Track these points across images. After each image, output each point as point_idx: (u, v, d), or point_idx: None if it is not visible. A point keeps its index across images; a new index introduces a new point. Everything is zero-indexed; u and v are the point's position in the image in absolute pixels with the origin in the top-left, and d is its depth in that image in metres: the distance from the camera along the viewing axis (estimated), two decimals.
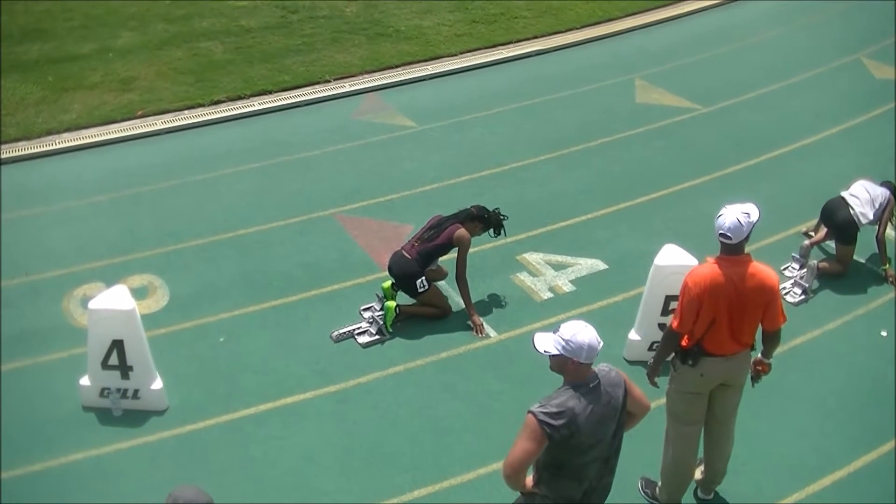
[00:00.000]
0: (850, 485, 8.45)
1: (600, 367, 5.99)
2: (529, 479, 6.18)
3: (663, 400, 7.97)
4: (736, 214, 7.03)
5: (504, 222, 10.80)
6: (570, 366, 5.81)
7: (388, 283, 10.56)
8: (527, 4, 20.33)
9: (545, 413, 5.73)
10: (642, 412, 6.28)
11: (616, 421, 5.95)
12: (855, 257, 11.36)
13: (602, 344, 5.76)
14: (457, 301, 10.70)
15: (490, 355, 10.11)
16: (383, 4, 20.26)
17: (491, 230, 10.76)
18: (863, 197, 11.03)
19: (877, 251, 11.20)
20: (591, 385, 5.83)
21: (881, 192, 11.07)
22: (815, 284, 11.08)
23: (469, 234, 10.44)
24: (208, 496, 5.47)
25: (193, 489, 5.46)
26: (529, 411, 5.80)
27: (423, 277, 10.37)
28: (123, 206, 12.89)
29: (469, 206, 10.74)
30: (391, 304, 10.34)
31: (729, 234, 7.03)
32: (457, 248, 10.38)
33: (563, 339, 5.77)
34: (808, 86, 16.72)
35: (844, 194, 11.16)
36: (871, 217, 10.96)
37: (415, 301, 10.56)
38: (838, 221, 11.06)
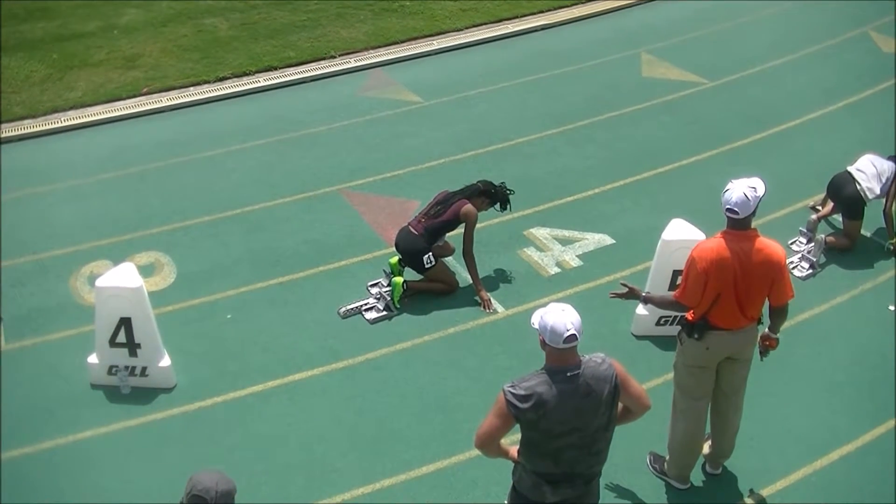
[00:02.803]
0: (858, 459, 8.45)
1: (592, 358, 5.88)
2: (514, 449, 6.23)
3: (669, 376, 7.98)
4: (743, 189, 7.00)
5: (510, 197, 10.78)
6: (544, 347, 5.81)
7: (395, 259, 10.56)
8: None
9: (513, 394, 5.75)
10: (640, 410, 6.17)
11: (602, 414, 5.85)
12: (862, 231, 11.33)
13: (573, 332, 5.63)
14: (464, 276, 10.70)
15: (497, 331, 10.11)
16: None
17: (497, 205, 10.75)
18: (869, 172, 10.99)
19: (884, 225, 11.18)
20: (567, 374, 5.74)
21: (888, 167, 11.02)
22: (823, 259, 11.05)
23: (476, 210, 10.43)
24: (230, 481, 5.47)
25: (214, 475, 5.46)
26: (502, 388, 5.83)
27: (430, 253, 10.37)
28: (130, 184, 12.89)
29: (475, 182, 10.73)
30: (398, 279, 10.35)
31: (736, 209, 7.01)
32: (463, 224, 10.37)
33: (538, 316, 5.80)
34: (815, 60, 16.64)
35: (851, 169, 11.11)
36: (877, 192, 10.93)
37: (422, 277, 10.56)
38: (845, 197, 11.03)
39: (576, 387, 5.74)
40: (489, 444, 6.01)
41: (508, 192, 10.77)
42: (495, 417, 5.85)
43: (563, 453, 5.90)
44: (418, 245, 10.36)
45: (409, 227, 10.51)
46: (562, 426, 5.77)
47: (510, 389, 5.78)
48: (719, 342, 7.38)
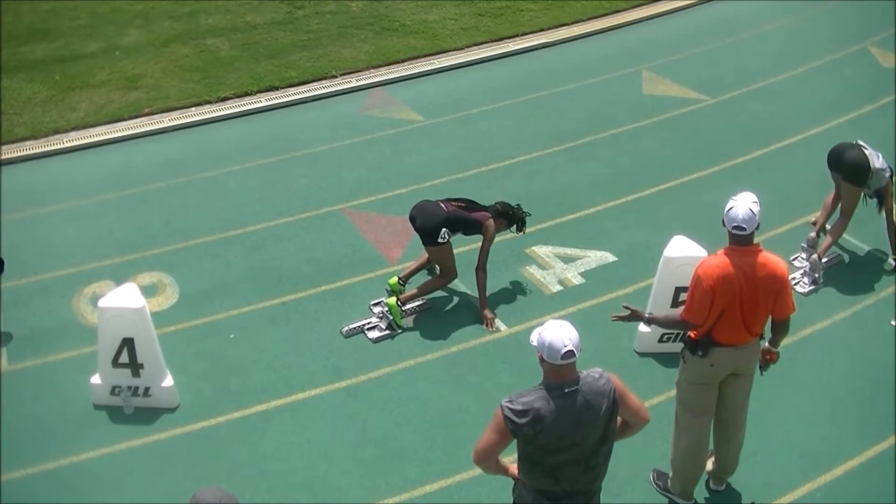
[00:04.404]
0: (861, 474, 8.45)
1: (590, 373, 5.91)
2: (514, 466, 6.23)
3: (672, 392, 7.98)
4: (747, 205, 7.04)
5: (527, 218, 10.86)
6: (543, 364, 5.84)
7: (394, 279, 10.59)
8: None
9: (511, 409, 5.79)
10: (639, 424, 6.18)
11: (600, 428, 5.87)
12: (863, 245, 11.36)
13: (570, 348, 5.66)
14: (463, 292, 10.72)
15: (500, 348, 10.11)
16: None
17: (514, 227, 10.81)
18: (872, 148, 10.91)
19: (884, 238, 11.17)
20: (565, 390, 5.76)
21: (885, 162, 10.92)
22: (821, 280, 11.02)
23: (495, 228, 10.48)
24: (232, 497, 5.48)
25: (217, 491, 5.47)
26: (500, 403, 5.86)
27: (448, 230, 10.30)
28: (132, 205, 12.91)
29: (494, 203, 10.77)
30: (391, 300, 10.34)
31: (744, 225, 7.03)
32: (481, 237, 10.40)
33: (536, 333, 5.83)
34: (815, 75, 16.67)
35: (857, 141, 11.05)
36: (877, 165, 10.74)
37: (411, 289, 10.61)
38: (849, 160, 10.80)
39: (574, 402, 5.76)
40: (487, 460, 6.03)
41: (524, 214, 10.81)
42: (493, 433, 5.89)
43: (562, 469, 5.92)
44: (441, 217, 10.28)
45: (439, 202, 10.51)
46: (560, 441, 5.79)
47: (507, 405, 5.81)
48: (723, 359, 7.39)
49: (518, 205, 10.87)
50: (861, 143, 10.94)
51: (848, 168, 10.87)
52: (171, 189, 13.32)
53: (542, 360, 5.82)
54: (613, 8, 19.76)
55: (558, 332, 5.70)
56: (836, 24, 19.00)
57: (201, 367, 9.86)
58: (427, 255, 10.72)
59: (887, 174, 10.82)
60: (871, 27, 18.47)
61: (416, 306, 10.66)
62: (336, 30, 18.69)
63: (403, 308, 10.43)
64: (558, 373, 5.78)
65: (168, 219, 12.54)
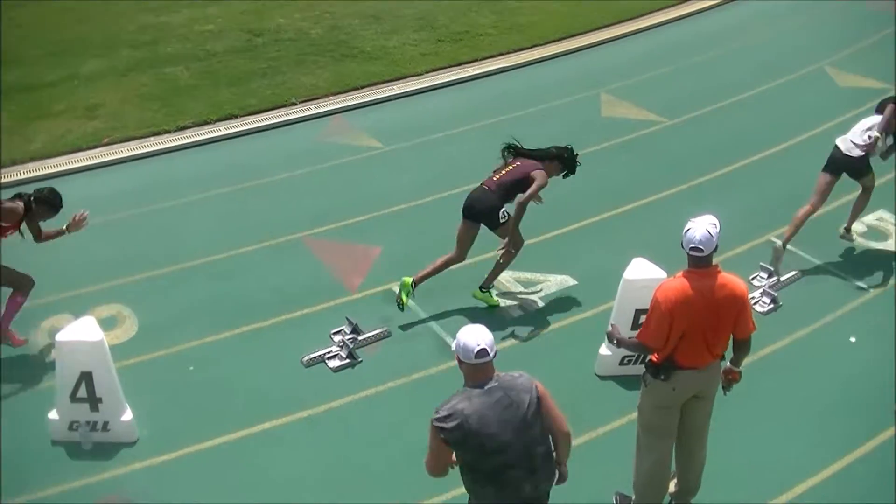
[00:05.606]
0: (823, 490, 8.49)
1: (509, 372, 6.19)
2: None
3: (634, 415, 7.98)
4: (705, 226, 7.06)
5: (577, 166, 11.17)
6: (462, 366, 6.13)
7: (408, 279, 10.77)
8: (491, 21, 20.42)
9: (437, 418, 6.05)
10: (561, 436, 6.34)
11: (529, 427, 6.08)
12: (819, 262, 11.54)
13: (483, 346, 5.97)
14: (422, 320, 10.74)
15: (461, 374, 10.04)
16: (348, 25, 20.32)
17: (565, 172, 11.14)
18: (854, 129, 11.33)
19: (841, 258, 11.32)
20: (484, 388, 6.04)
21: (877, 117, 11.27)
22: (780, 300, 11.08)
23: (546, 174, 10.71)
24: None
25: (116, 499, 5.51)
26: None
27: (504, 209, 10.66)
28: (90, 236, 12.68)
29: (550, 147, 11.06)
30: (406, 279, 10.70)
31: (701, 247, 7.06)
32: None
33: (455, 338, 6.13)
34: (773, 96, 16.82)
35: (837, 141, 11.47)
36: (858, 142, 11.20)
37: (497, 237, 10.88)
38: (848, 165, 11.36)
39: (495, 399, 6.03)
40: (439, 471, 6.30)
41: (576, 155, 11.14)
42: (432, 445, 6.15)
43: (503, 474, 6.07)
44: (491, 201, 10.67)
45: (483, 185, 10.84)
46: (491, 441, 5.99)
47: (434, 415, 6.06)
48: (686, 381, 7.40)
49: (569, 145, 11.13)
50: (837, 141, 11.35)
51: (847, 172, 11.41)
52: (130, 220, 13.23)
53: (460, 362, 6.12)
54: (571, 31, 19.88)
55: (472, 334, 6.03)
56: (792, 46, 19.18)
57: (161, 400, 9.76)
58: (441, 262, 10.90)
59: (888, 116, 11.16)
60: (827, 48, 18.70)
61: (375, 335, 10.62)
62: (295, 57, 18.73)
63: (413, 288, 10.74)
64: (475, 373, 6.07)
65: (127, 250, 12.44)
